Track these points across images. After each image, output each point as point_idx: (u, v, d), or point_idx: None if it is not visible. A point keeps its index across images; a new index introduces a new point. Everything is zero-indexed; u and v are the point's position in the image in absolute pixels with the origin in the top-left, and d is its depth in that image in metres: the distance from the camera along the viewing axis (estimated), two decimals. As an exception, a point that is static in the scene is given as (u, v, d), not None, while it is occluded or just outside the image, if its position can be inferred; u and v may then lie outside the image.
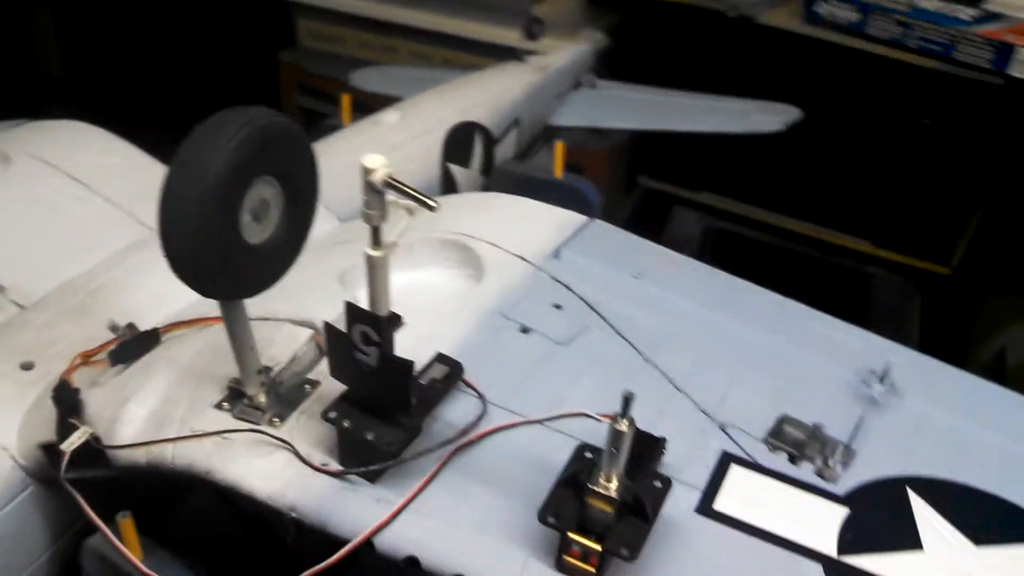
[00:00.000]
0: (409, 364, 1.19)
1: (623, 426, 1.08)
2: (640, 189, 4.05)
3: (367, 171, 1.10)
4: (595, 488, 1.11)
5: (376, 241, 1.16)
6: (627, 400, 1.08)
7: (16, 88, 4.63)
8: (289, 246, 1.24)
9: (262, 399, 1.31)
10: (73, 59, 4.95)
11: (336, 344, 1.22)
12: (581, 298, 1.62)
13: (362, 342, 1.18)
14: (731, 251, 3.68)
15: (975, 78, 3.19)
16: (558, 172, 2.45)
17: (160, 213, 1.09)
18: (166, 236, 1.10)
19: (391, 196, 1.12)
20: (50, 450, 1.30)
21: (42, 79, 4.92)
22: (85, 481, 1.29)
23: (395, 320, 1.20)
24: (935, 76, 3.28)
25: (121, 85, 4.63)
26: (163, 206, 1.09)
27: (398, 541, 1.19)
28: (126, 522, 1.23)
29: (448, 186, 2.46)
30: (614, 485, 1.11)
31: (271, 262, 1.22)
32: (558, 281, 1.66)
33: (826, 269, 3.77)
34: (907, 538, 1.25)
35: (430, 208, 1.11)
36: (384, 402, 1.22)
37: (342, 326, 1.21)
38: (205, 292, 1.18)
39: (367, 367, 1.20)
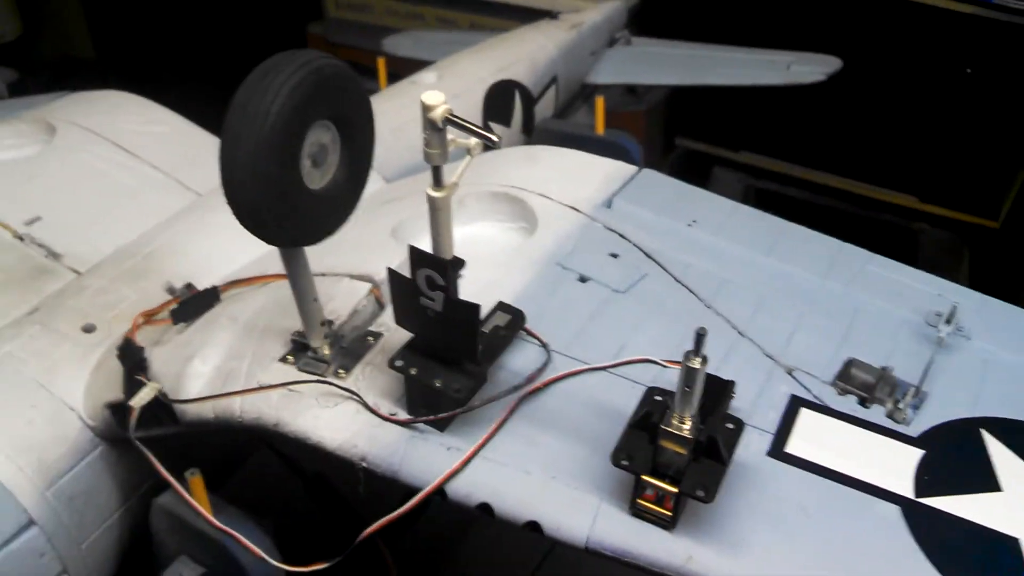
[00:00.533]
0: (476, 307, 1.17)
1: (696, 363, 1.05)
2: (679, 150, 3.99)
3: (427, 107, 1.08)
4: (668, 429, 1.08)
5: (438, 181, 1.13)
6: (700, 336, 1.05)
7: (50, 74, 4.66)
8: (348, 193, 1.22)
9: (326, 351, 1.30)
10: (104, 41, 4.97)
11: (401, 290, 1.20)
12: (637, 246, 1.60)
13: (427, 287, 1.17)
14: (773, 210, 3.62)
15: (1017, 23, 3.10)
16: (599, 128, 2.42)
17: (221, 158, 1.08)
18: (229, 181, 1.08)
19: (451, 134, 1.10)
20: (118, 408, 1.30)
21: (75, 64, 4.95)
22: (153, 439, 1.29)
23: (459, 263, 1.18)
24: (976, 22, 3.18)
25: (152, 64, 4.64)
26: (224, 151, 1.08)
27: (470, 488, 1.18)
28: (196, 479, 1.23)
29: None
30: (687, 426, 1.08)
31: (332, 208, 1.21)
32: (612, 230, 1.63)
33: (871, 226, 3.67)
34: (985, 479, 1.22)
35: (492, 142, 1.09)
36: (451, 348, 1.20)
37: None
38: (268, 238, 1.17)
39: (433, 312, 1.18)
